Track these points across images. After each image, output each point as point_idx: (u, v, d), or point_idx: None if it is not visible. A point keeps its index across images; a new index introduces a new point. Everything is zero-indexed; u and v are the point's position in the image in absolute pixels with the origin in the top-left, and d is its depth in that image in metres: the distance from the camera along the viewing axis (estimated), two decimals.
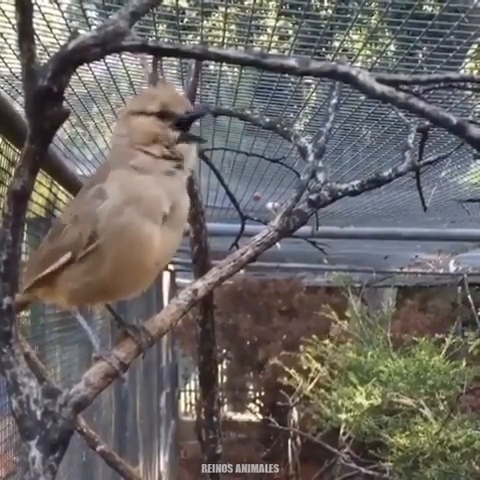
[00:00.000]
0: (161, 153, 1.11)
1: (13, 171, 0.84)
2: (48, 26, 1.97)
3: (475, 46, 2.35)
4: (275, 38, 2.26)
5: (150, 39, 1.97)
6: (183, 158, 1.12)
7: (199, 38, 2.24)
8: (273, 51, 2.30)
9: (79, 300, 1.17)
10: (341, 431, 7.16)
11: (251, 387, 11.17)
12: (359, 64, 2.39)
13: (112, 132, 1.32)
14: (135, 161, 1.10)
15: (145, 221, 1.08)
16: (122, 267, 1.10)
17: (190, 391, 13.14)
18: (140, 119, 1.12)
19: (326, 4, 2.35)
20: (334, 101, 1.49)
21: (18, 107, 2.08)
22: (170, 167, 1.11)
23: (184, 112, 1.12)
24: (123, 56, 2.13)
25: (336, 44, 2.33)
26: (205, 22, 2.24)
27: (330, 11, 2.18)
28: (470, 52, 2.39)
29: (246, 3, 2.26)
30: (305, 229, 1.45)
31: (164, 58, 2.21)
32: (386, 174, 1.43)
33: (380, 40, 2.35)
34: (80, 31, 0.81)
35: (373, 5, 2.14)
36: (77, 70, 0.79)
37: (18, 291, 1.21)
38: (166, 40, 2.28)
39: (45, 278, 1.17)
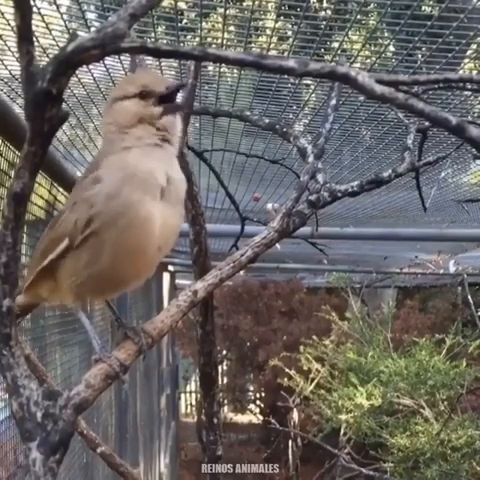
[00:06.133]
0: (147, 132, 1.11)
1: (13, 173, 0.84)
2: (47, 28, 1.97)
3: (474, 46, 2.35)
4: (274, 39, 2.26)
5: (149, 40, 1.97)
6: (168, 130, 1.13)
7: (198, 39, 2.24)
8: (272, 52, 2.30)
9: (84, 294, 1.15)
10: (342, 432, 7.16)
11: (251, 388, 11.18)
12: (358, 65, 2.39)
13: (101, 124, 1.31)
14: (125, 143, 1.10)
15: (143, 198, 1.06)
16: (123, 252, 1.08)
17: (190, 392, 13.18)
18: (123, 103, 1.13)
19: (325, 5, 2.35)
20: (333, 102, 1.49)
21: (17, 109, 2.09)
22: (156, 140, 1.11)
23: (164, 88, 1.13)
24: (122, 57, 2.13)
25: (335, 45, 2.33)
26: (204, 23, 2.24)
27: (329, 12, 2.18)
28: (469, 52, 2.39)
29: (245, 4, 2.27)
30: (305, 230, 1.46)
31: (163, 59, 2.21)
32: (386, 175, 1.43)
33: (379, 41, 2.35)
34: (79, 33, 0.81)
35: (372, 6, 2.13)
36: (76, 72, 0.79)
37: (20, 293, 1.20)
38: (165, 41, 2.28)
39: (47, 271, 1.15)
